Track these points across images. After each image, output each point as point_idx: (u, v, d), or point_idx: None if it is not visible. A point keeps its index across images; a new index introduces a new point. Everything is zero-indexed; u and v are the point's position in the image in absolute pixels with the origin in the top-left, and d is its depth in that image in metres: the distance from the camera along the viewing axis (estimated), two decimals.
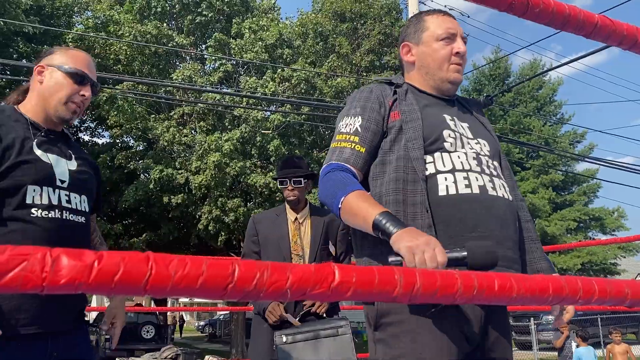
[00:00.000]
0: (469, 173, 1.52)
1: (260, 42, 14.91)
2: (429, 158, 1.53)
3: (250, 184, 13.88)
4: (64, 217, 1.68)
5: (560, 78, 26.16)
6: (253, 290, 0.76)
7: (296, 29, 16.80)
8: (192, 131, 15.40)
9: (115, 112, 13.92)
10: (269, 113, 14.32)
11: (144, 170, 14.98)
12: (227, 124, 15.11)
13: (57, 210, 1.67)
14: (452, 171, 1.51)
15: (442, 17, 1.66)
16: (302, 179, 2.97)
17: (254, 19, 15.57)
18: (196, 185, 13.56)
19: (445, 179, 1.51)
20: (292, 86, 14.28)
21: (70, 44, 15.19)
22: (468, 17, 13.73)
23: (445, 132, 1.57)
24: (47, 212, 1.64)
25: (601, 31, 1.28)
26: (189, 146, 14.71)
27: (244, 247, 3.09)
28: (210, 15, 15.52)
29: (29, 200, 1.61)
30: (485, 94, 9.24)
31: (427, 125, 1.56)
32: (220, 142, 13.31)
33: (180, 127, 14.86)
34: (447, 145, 1.55)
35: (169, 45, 14.37)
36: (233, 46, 15.02)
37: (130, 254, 0.70)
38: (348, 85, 15.24)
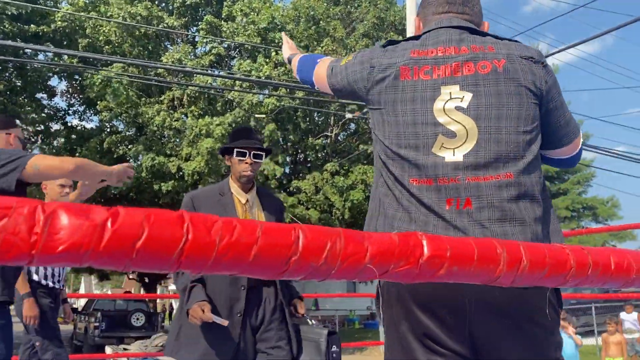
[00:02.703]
0: None
1: (252, 26, 14.59)
2: None
3: None
4: None
5: (555, 66, 26.06)
6: (323, 265, 0.55)
7: (289, 12, 16.48)
8: (184, 116, 15.10)
9: (110, 95, 13.57)
10: (262, 97, 14.03)
11: (134, 157, 14.67)
12: (219, 108, 14.81)
13: None
14: None
15: None
16: (263, 153, 2.59)
17: (245, 1, 15.23)
18: (189, 172, 13.30)
19: None
20: (287, 70, 14.01)
21: (59, 22, 14.76)
22: None
23: None
24: None
25: None
26: (179, 131, 14.42)
27: None
28: None
29: None
30: None
31: None
32: (211, 126, 13.04)
33: (171, 111, 14.55)
34: None
35: (159, 26, 14.00)
36: (225, 29, 14.68)
37: (156, 212, 0.48)
38: None
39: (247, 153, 2.51)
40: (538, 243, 0.70)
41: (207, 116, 13.84)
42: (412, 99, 1.36)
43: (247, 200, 2.56)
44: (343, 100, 13.10)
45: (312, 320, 2.65)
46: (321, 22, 16.05)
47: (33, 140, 17.68)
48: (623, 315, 8.60)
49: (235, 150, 2.51)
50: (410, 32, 11.92)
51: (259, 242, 0.50)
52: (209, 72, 14.32)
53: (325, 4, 16.18)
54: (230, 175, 2.63)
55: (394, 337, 1.37)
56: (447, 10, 1.49)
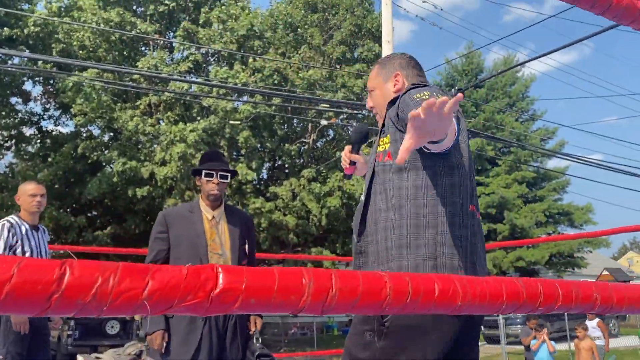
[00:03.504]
0: None
1: (228, 33, 14.57)
2: None
3: None
4: None
5: (533, 75, 26.43)
6: (92, 301, 0.55)
7: (266, 19, 16.50)
8: (159, 121, 14.99)
9: (81, 100, 13.44)
10: (238, 104, 14.00)
11: (108, 162, 14.53)
12: (195, 114, 14.74)
13: None
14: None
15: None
16: (228, 174, 2.88)
17: (222, 7, 15.20)
18: (161, 177, 13.19)
19: None
20: (264, 77, 13.99)
21: (32, 27, 14.59)
22: (441, 10, 13.63)
23: None
24: None
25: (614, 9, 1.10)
26: (154, 137, 14.31)
27: (150, 245, 2.82)
28: (172, 4, 15.12)
29: None
30: (457, 88, 9.18)
31: None
32: (185, 132, 12.96)
33: (145, 117, 14.44)
34: None
35: (133, 32, 13.91)
36: (201, 35, 14.64)
37: None
38: (320, 78, 15.01)
39: (214, 174, 2.81)
40: (354, 271, 0.71)
41: (181, 122, 13.77)
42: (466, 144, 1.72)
43: (214, 217, 2.84)
44: (319, 108, 13.12)
45: (257, 340, 2.76)
46: (299, 29, 16.09)
47: (7, 145, 17.45)
48: (587, 322, 8.75)
49: (203, 171, 2.81)
50: (386, 39, 12.01)
51: (13, 280, 0.50)
52: (185, 78, 14.26)
53: (302, 12, 16.23)
54: (200, 194, 2.91)
55: None
56: (424, 75, 1.93)
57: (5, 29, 14.42)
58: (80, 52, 14.74)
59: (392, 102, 1.77)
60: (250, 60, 14.25)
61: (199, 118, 14.30)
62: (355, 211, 1.81)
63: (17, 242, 3.64)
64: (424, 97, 1.52)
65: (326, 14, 16.35)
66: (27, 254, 3.67)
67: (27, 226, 3.75)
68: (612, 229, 5.49)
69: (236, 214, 2.98)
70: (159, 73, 13.02)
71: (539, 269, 25.11)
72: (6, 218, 3.74)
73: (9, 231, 3.62)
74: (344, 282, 0.68)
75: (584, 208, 22.55)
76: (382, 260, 1.61)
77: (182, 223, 2.78)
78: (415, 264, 1.55)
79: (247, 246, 2.92)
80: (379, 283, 0.71)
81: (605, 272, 34.40)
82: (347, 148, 2.05)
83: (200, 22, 15.19)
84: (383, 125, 1.78)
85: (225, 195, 3.10)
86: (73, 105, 14.38)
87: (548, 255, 21.62)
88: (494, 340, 14.73)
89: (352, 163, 2.05)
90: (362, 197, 1.80)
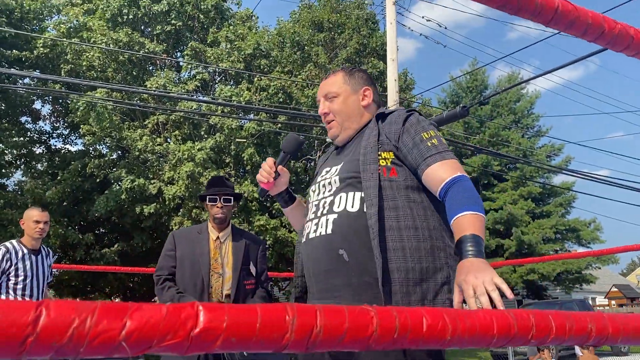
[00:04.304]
0: (306, 224, 1.78)
1: (236, 52, 14.73)
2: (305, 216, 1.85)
3: None
4: None
5: (537, 91, 26.43)
6: (68, 343, 0.54)
7: (274, 38, 16.67)
8: (167, 140, 15.09)
9: (93, 119, 13.59)
10: (244, 121, 14.09)
11: (116, 180, 14.63)
12: (203, 132, 14.83)
13: None
14: (303, 225, 1.83)
15: (321, 84, 1.90)
16: (232, 198, 3.05)
17: (230, 27, 15.38)
18: (169, 196, 13.24)
19: (300, 233, 1.84)
20: (269, 95, 14.09)
21: (41, 49, 14.82)
22: (445, 28, 13.68)
23: (310, 189, 1.84)
24: None
25: (562, 18, 1.10)
26: (162, 155, 14.40)
27: (160, 261, 2.98)
28: (179, 24, 15.33)
29: None
30: (462, 105, 9.17)
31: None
32: (193, 151, 13.04)
33: (154, 136, 14.55)
34: (309, 200, 1.82)
35: (141, 52, 14.09)
36: (209, 55, 14.81)
37: None
38: None
39: (218, 199, 3.01)
40: (339, 306, 0.70)
41: (189, 141, 13.85)
42: None
43: (218, 237, 3.01)
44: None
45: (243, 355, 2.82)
46: (305, 47, 16.23)
47: (16, 164, 17.60)
48: None
49: (208, 197, 3.03)
50: (391, 58, 12.07)
51: None
52: (192, 97, 14.40)
53: (309, 30, 16.39)
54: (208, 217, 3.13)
55: None
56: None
57: (14, 51, 14.65)
58: (89, 72, 14.93)
59: (381, 116, 1.76)
60: (256, 79, 14.36)
61: (205, 136, 14.39)
62: (344, 225, 1.63)
63: (10, 266, 3.76)
64: (434, 142, 1.61)
65: (332, 33, 16.49)
66: (21, 278, 3.80)
67: (25, 250, 3.88)
68: (619, 247, 5.45)
69: (244, 236, 3.12)
70: (168, 92, 13.17)
71: (547, 285, 24.87)
72: (4, 243, 3.88)
73: (3, 257, 3.74)
74: (329, 318, 0.67)
75: (591, 225, 22.37)
76: (404, 282, 1.53)
77: (189, 243, 2.97)
78: (435, 290, 1.54)
79: (253, 267, 3.03)
80: (365, 319, 0.70)
81: (614, 289, 33.96)
82: (271, 160, 1.87)
83: (208, 42, 15.36)
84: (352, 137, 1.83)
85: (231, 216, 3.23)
86: (82, 125, 14.53)
87: (557, 272, 21.41)
88: (502, 358, 14.55)
89: (276, 177, 1.89)
90: (353, 209, 1.62)
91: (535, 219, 22.62)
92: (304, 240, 1.76)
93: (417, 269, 1.53)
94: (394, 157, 1.66)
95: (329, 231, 1.64)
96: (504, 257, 21.89)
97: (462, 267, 1.33)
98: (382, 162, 1.64)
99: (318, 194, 1.78)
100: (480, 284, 1.25)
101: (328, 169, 1.81)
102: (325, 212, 1.69)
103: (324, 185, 1.77)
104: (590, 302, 23.11)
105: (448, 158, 1.59)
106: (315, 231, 1.70)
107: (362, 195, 1.61)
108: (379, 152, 1.66)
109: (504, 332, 0.79)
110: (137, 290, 18.68)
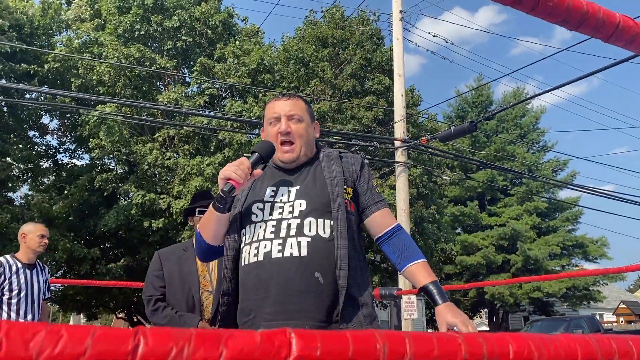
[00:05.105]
0: (261, 242, 1.71)
1: (243, 68, 14.83)
2: (243, 231, 1.79)
3: None
4: None
5: (543, 106, 26.46)
6: None
7: (280, 53, 16.76)
8: (175, 154, 15.11)
9: (104, 132, 13.63)
10: (252, 136, 14.11)
11: (124, 194, 14.62)
12: (212, 148, 14.86)
13: None
14: (251, 242, 1.73)
15: (273, 102, 1.90)
16: None
17: (237, 43, 15.49)
18: (177, 210, 13.22)
19: (246, 250, 1.74)
20: None
21: (52, 63, 14.93)
22: (451, 43, 13.75)
23: (254, 206, 1.78)
24: None
25: (544, 7, 1.08)
26: (171, 170, 14.41)
27: (147, 282, 2.85)
28: (189, 40, 15.46)
29: None
30: (469, 120, 9.19)
31: (246, 201, 1.80)
32: (202, 166, 13.04)
33: (163, 150, 14.58)
34: (253, 217, 1.76)
35: (152, 68, 14.19)
36: (217, 70, 14.90)
37: None
38: (329, 110, 15.13)
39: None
40: (427, 332, 0.68)
41: (198, 156, 13.87)
42: None
43: None
44: (330, 140, 13.19)
45: None
46: (310, 63, 16.30)
47: (23, 178, 17.64)
48: None
49: (196, 209, 2.91)
50: (398, 73, 12.11)
51: (88, 353, 0.47)
52: (202, 112, 14.46)
53: (314, 46, 16.48)
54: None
55: None
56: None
57: (23, 65, 14.77)
58: (99, 87, 15.02)
59: (337, 154, 1.91)
60: (260, 95, 14.42)
61: (214, 151, 14.41)
62: (318, 247, 1.69)
63: (4, 280, 3.76)
64: (379, 191, 1.89)
65: (337, 48, 16.57)
66: (15, 292, 3.79)
67: (19, 264, 3.87)
68: (629, 266, 5.34)
69: None
70: (179, 107, 13.23)
71: (553, 301, 24.63)
72: None
73: None
74: (418, 345, 0.65)
75: (598, 241, 22.21)
76: (356, 306, 1.72)
77: (176, 261, 2.86)
78: (372, 315, 1.73)
79: None
80: (453, 345, 0.67)
81: (622, 305, 33.61)
82: (247, 160, 1.73)
83: (215, 57, 15.46)
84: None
85: None
86: (91, 140, 14.58)
87: (564, 288, 21.21)
88: None
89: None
90: (325, 235, 1.71)
91: (541, 235, 22.48)
92: (261, 259, 1.69)
93: (364, 294, 1.76)
94: (352, 194, 1.83)
95: (304, 253, 1.69)
96: (510, 272, 21.73)
97: (442, 311, 1.61)
98: (347, 197, 1.80)
99: (271, 214, 1.74)
100: (465, 319, 1.59)
101: (275, 189, 1.81)
102: (293, 233, 1.71)
103: (280, 207, 1.76)
104: (597, 318, 22.84)
105: (387, 207, 1.87)
106: (281, 251, 1.68)
107: (332, 223, 1.73)
108: (345, 187, 1.81)
109: (588, 358, 0.77)
110: (141, 305, 18.58)
